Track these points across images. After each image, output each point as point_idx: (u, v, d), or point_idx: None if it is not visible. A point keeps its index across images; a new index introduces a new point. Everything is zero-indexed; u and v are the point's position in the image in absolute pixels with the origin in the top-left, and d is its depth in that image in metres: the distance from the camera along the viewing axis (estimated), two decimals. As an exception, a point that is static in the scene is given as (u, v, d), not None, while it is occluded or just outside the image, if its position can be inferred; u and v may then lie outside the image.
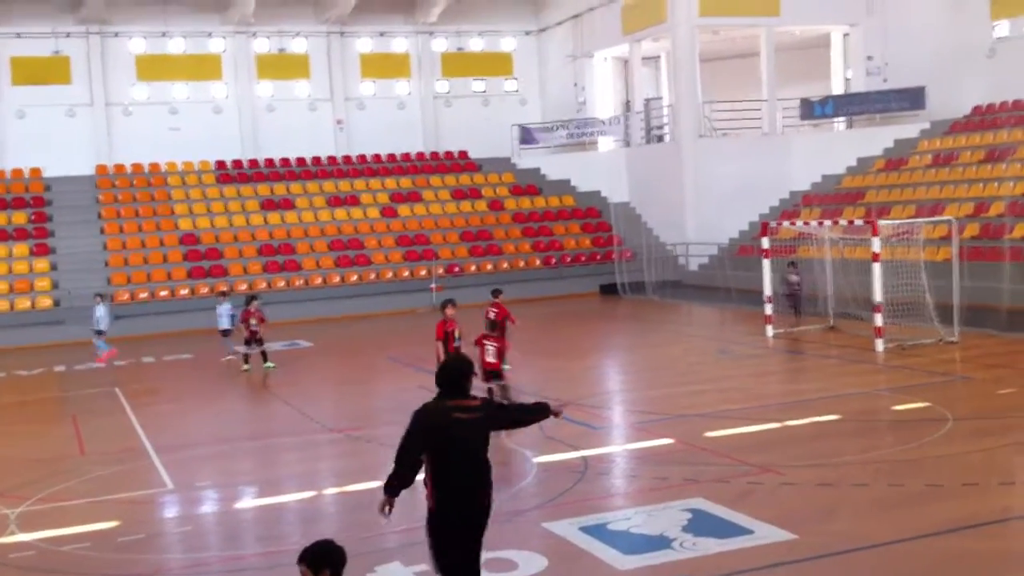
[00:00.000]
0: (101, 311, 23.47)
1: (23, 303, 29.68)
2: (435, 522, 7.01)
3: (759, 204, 33.38)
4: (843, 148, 34.32)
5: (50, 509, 11.88)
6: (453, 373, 7.14)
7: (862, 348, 19.47)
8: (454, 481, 6.94)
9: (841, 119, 36.22)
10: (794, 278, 23.12)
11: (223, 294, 24.07)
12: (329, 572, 5.55)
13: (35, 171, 35.22)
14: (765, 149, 34.65)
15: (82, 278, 30.80)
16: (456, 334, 15.19)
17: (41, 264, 31.47)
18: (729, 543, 9.22)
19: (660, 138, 38.59)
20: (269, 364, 21.56)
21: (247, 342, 21.53)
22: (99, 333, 23.44)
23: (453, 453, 6.95)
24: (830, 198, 32.16)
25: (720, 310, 27.79)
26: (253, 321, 21.41)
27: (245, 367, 21.48)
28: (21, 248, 31.94)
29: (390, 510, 7.14)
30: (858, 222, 21.97)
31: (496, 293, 16.96)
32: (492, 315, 15.35)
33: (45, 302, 29.85)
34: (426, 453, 7.00)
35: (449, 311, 15.25)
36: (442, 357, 13.87)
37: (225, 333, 23.06)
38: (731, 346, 21.58)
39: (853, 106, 35.23)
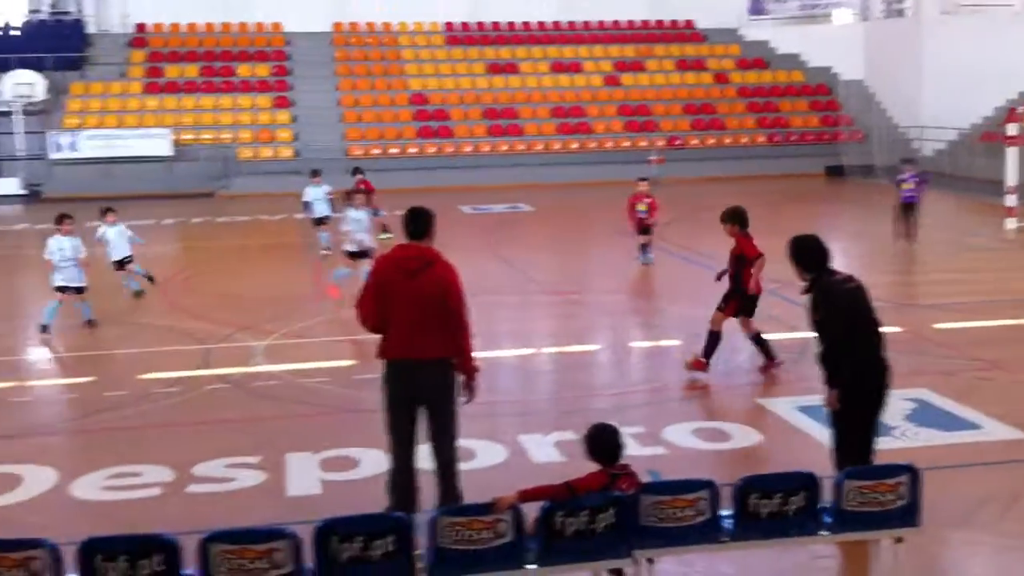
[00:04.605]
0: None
1: (265, 152, 31.41)
2: (845, 391, 6.88)
3: (1006, 88, 31.02)
4: (1112, 29, 31.35)
5: (293, 344, 12.85)
6: (820, 250, 7.21)
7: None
8: (865, 349, 6.90)
9: (1113, -3, 33.00)
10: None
11: (316, 173, 19.74)
12: (604, 460, 5.78)
13: (276, 25, 36.67)
14: (1017, 29, 32.02)
15: (319, 131, 32.29)
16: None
17: (283, 116, 33.08)
18: (953, 436, 9.05)
19: (900, 12, 36.29)
20: (388, 235, 18.75)
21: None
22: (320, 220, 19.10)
23: (861, 322, 6.97)
24: (1091, 84, 29.59)
25: (956, 199, 26.40)
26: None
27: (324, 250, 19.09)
28: (263, 100, 33.62)
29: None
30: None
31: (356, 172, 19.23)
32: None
33: (286, 152, 31.48)
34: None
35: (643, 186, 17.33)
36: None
37: (320, 221, 19.30)
38: (966, 238, 20.58)
39: None
